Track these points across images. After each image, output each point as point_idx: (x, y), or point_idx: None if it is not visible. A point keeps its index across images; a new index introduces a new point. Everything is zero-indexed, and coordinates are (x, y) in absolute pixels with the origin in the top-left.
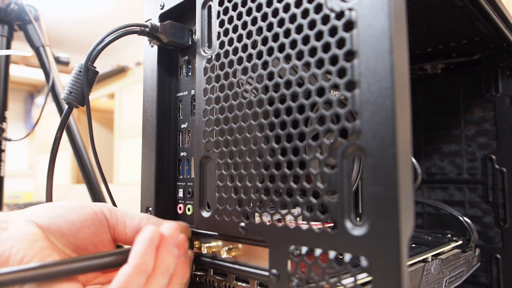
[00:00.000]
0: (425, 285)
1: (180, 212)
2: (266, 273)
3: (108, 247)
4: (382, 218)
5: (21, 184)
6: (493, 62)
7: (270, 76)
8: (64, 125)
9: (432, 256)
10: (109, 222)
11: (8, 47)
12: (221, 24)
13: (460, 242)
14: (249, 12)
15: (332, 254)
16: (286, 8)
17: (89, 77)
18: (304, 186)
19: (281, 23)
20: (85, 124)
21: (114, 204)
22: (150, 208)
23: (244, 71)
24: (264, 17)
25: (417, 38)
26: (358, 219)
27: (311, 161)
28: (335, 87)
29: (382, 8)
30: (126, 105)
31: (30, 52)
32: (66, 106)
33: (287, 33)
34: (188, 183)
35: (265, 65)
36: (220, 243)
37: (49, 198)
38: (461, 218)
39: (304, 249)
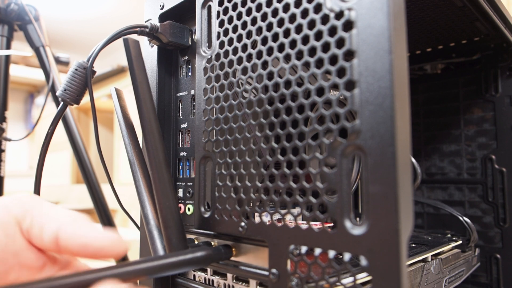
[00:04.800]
0: (425, 284)
1: (180, 212)
2: (266, 273)
3: (26, 257)
4: (382, 218)
5: (21, 184)
6: (493, 62)
7: (270, 76)
8: (57, 122)
9: (432, 256)
10: (22, 226)
11: (8, 47)
12: (221, 24)
13: (460, 242)
14: (248, 12)
15: (331, 253)
16: (286, 8)
17: (84, 76)
18: (303, 185)
19: (280, 23)
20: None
21: (120, 204)
22: None
23: (244, 71)
24: (264, 17)
25: (416, 38)
26: (357, 218)
27: (310, 160)
28: (335, 86)
29: (381, 8)
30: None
31: (30, 52)
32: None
33: (286, 33)
34: (188, 183)
35: (264, 65)
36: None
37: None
38: (461, 218)
39: (303, 249)
